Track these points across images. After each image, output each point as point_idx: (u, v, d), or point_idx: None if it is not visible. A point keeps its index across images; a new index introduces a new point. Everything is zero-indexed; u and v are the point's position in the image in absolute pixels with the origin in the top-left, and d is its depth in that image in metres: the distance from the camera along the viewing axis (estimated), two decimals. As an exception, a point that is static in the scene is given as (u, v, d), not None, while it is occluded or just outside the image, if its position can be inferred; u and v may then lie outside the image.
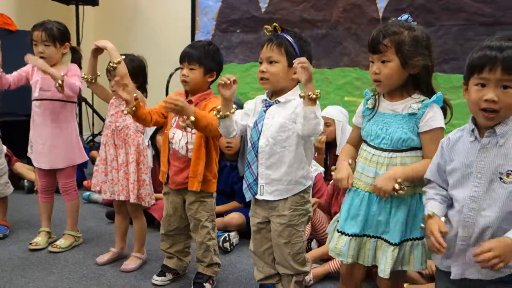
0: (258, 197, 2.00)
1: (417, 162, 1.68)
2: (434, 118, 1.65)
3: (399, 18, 1.72)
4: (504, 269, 1.35)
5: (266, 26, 1.97)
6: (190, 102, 2.24)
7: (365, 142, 1.78)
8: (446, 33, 3.44)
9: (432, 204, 1.51)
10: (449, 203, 1.50)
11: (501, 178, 1.34)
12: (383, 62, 1.67)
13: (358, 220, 1.74)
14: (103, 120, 4.06)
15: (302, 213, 2.00)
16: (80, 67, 2.86)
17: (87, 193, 3.77)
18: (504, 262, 1.28)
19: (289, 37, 1.92)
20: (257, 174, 1.97)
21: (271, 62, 1.93)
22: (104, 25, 5.71)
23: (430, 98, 1.67)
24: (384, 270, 1.70)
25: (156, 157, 3.24)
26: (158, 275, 2.44)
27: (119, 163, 2.51)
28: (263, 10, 4.33)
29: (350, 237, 1.74)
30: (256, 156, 1.97)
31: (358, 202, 1.75)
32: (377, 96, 1.77)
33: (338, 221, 1.84)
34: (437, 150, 1.53)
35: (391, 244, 1.70)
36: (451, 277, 1.45)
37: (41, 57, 2.69)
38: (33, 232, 3.02)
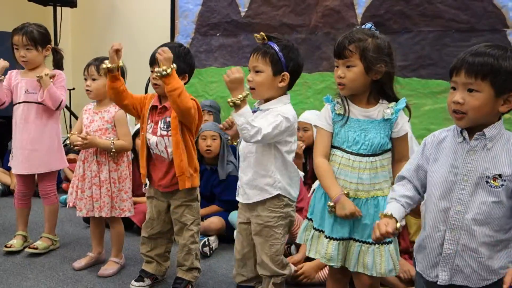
0: (237, 198, 2.11)
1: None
2: (405, 122, 1.79)
3: (363, 27, 1.79)
4: (490, 276, 1.38)
5: (256, 35, 1.99)
6: (164, 108, 2.24)
7: (339, 148, 1.80)
8: (423, 39, 3.49)
9: (393, 206, 1.52)
10: (413, 206, 1.52)
11: (487, 182, 1.36)
12: (347, 67, 1.74)
13: (345, 225, 1.77)
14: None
15: (280, 215, 2.02)
16: (62, 68, 2.84)
17: (64, 196, 3.71)
18: None
19: (275, 46, 1.94)
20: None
21: (256, 72, 1.97)
22: (82, 27, 5.64)
23: (395, 103, 1.77)
24: (395, 269, 1.75)
25: (135, 160, 3.21)
26: (136, 280, 2.41)
27: (101, 179, 2.48)
28: (242, 14, 4.33)
29: (338, 241, 1.77)
30: (238, 159, 2.07)
31: None
32: (345, 102, 1.81)
33: (316, 229, 1.86)
34: (418, 150, 1.55)
35: (386, 243, 1.74)
36: (438, 283, 1.45)
37: (23, 62, 2.69)
38: (7, 236, 2.96)
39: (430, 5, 3.46)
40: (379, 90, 1.78)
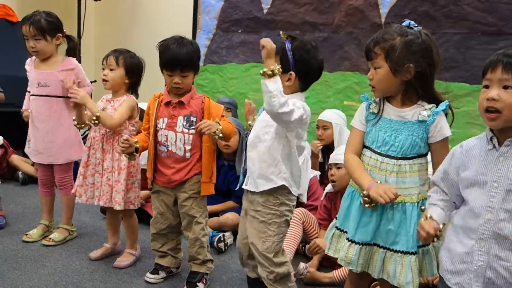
0: (243, 186, 2.08)
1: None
2: (445, 127, 1.69)
3: (401, 24, 1.72)
4: None
5: (282, 32, 1.97)
6: (181, 103, 2.25)
7: (369, 148, 1.77)
8: (448, 41, 3.44)
9: (433, 210, 1.50)
10: (451, 209, 1.50)
11: None
12: (375, 68, 1.71)
13: (369, 229, 1.73)
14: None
15: (275, 213, 1.97)
16: (76, 56, 2.83)
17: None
18: None
19: (288, 44, 1.91)
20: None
21: None
22: (105, 19, 5.70)
23: (436, 105, 1.68)
24: (413, 282, 1.67)
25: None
26: (151, 273, 2.43)
27: (104, 167, 2.48)
28: (265, 11, 4.33)
29: (360, 245, 1.74)
30: (245, 149, 2.05)
31: (369, 210, 1.73)
32: (381, 101, 1.77)
33: (337, 228, 1.84)
34: (447, 156, 1.52)
35: (409, 253, 1.68)
36: None
37: (33, 52, 2.67)
38: (27, 224, 3.01)
39: (456, 6, 3.41)
40: (416, 91, 1.71)
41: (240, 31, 4.49)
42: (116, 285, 2.37)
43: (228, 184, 3.25)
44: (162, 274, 2.43)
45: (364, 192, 1.69)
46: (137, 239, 2.67)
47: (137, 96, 2.58)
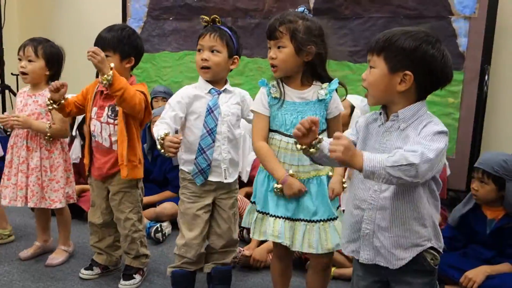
0: (224, 180, 2.08)
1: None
2: (339, 102, 1.85)
3: (296, 10, 1.82)
4: (405, 254, 1.41)
5: (203, 16, 2.03)
6: (108, 94, 2.16)
7: (278, 132, 1.83)
8: (373, 24, 3.54)
9: None
10: None
11: None
12: (279, 47, 1.78)
13: (289, 206, 1.80)
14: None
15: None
16: None
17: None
18: None
19: (228, 30, 2.03)
20: (211, 159, 2.03)
21: (213, 51, 2.00)
22: (29, 7, 5.42)
23: (328, 83, 1.81)
24: (340, 243, 1.72)
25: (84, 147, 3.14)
26: (86, 269, 2.38)
27: (31, 167, 2.35)
28: (196, -2, 4.27)
29: (284, 219, 1.81)
30: (213, 141, 2.01)
31: None
32: (280, 85, 1.83)
33: (259, 212, 1.87)
34: (353, 126, 1.58)
35: (330, 219, 1.79)
36: (360, 261, 1.49)
37: None
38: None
39: (378, -9, 3.52)
40: (312, 71, 1.82)
41: (171, 18, 4.41)
42: (49, 283, 2.30)
43: (164, 174, 3.22)
44: (97, 270, 2.37)
45: (278, 186, 1.78)
46: (69, 235, 2.60)
47: None
